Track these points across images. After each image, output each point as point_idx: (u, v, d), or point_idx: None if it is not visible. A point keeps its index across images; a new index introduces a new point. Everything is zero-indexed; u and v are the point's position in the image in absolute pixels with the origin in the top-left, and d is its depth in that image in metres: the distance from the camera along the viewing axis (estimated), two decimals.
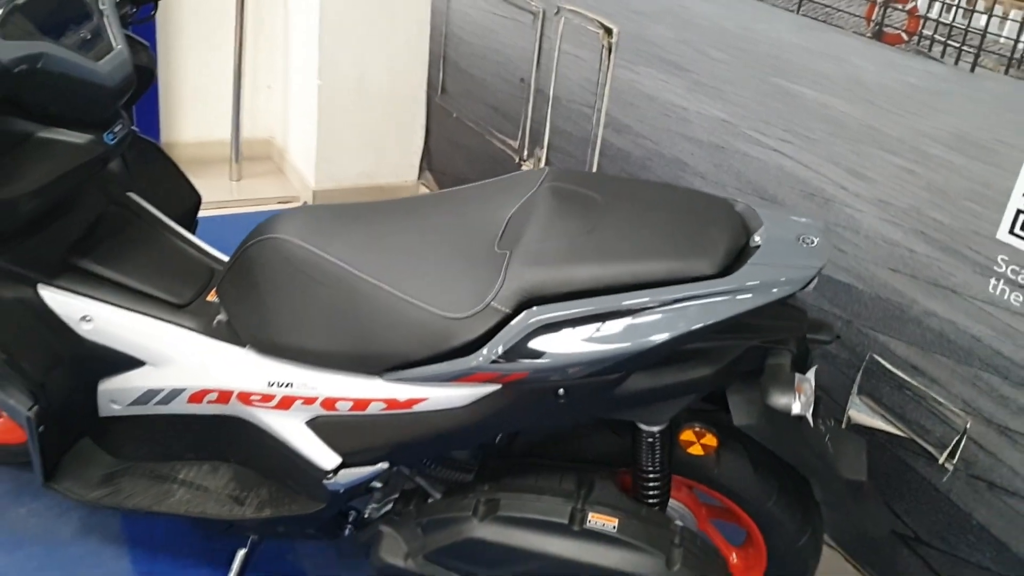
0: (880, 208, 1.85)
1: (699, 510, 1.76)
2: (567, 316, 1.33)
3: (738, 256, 1.37)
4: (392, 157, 3.69)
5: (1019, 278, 1.62)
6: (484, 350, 1.37)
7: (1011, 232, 1.62)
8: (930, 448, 1.81)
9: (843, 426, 1.68)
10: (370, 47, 3.46)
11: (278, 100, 3.89)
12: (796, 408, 1.33)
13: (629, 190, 1.51)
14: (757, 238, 1.39)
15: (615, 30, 2.50)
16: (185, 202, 1.87)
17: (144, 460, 1.83)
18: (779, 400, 1.34)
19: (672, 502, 1.70)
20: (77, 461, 1.82)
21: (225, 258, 1.82)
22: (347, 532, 1.77)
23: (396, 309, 1.43)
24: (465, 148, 3.38)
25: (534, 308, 1.35)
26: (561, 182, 1.52)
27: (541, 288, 1.35)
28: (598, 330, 1.33)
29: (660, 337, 1.31)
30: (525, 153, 3.01)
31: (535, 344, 1.34)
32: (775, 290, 1.31)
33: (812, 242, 1.37)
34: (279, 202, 3.69)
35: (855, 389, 1.90)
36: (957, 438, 1.75)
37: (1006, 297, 1.64)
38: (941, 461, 1.78)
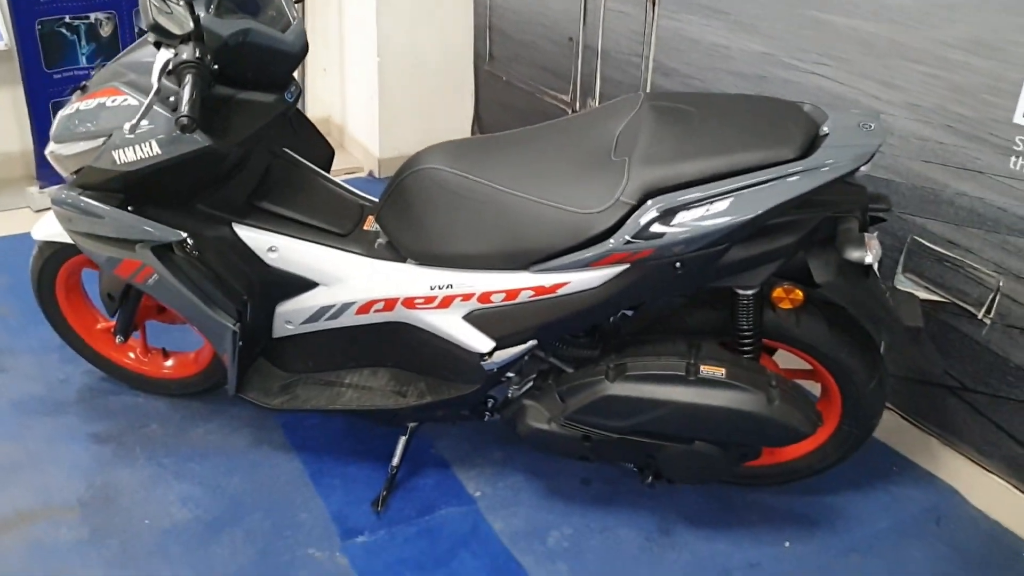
0: (910, 111, 2.19)
1: (784, 375, 2.12)
2: (681, 202, 1.69)
3: (812, 143, 1.72)
4: (446, 123, 4.03)
5: None
6: (615, 236, 1.73)
7: None
8: (970, 308, 2.16)
9: (920, 311, 2.01)
10: (421, 24, 3.80)
11: (335, 81, 4.24)
12: (868, 258, 1.69)
13: (716, 101, 1.87)
14: (825, 128, 1.75)
15: None
16: (324, 154, 2.23)
17: (312, 372, 2.20)
18: (853, 253, 1.69)
19: None
20: (258, 376, 2.18)
21: (370, 197, 2.18)
22: (489, 412, 2.13)
23: (538, 212, 1.79)
24: (516, 109, 3.73)
25: (655, 199, 1.71)
26: (658, 101, 1.88)
27: (659, 182, 1.71)
28: (707, 210, 1.69)
29: (756, 210, 1.67)
30: (577, 105, 3.36)
31: (657, 227, 1.70)
32: (845, 164, 1.66)
33: (870, 127, 1.72)
34: (346, 173, 4.05)
35: (899, 268, 2.26)
36: (992, 295, 2.10)
37: None
38: (980, 316, 2.14)
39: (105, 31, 3.33)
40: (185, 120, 1.57)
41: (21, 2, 3.17)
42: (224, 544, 2.07)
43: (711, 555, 2.09)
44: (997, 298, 2.10)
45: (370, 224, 2.07)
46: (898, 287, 2.23)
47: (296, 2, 1.96)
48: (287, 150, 2.16)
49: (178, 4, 1.63)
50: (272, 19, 1.84)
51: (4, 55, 3.34)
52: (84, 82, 1.94)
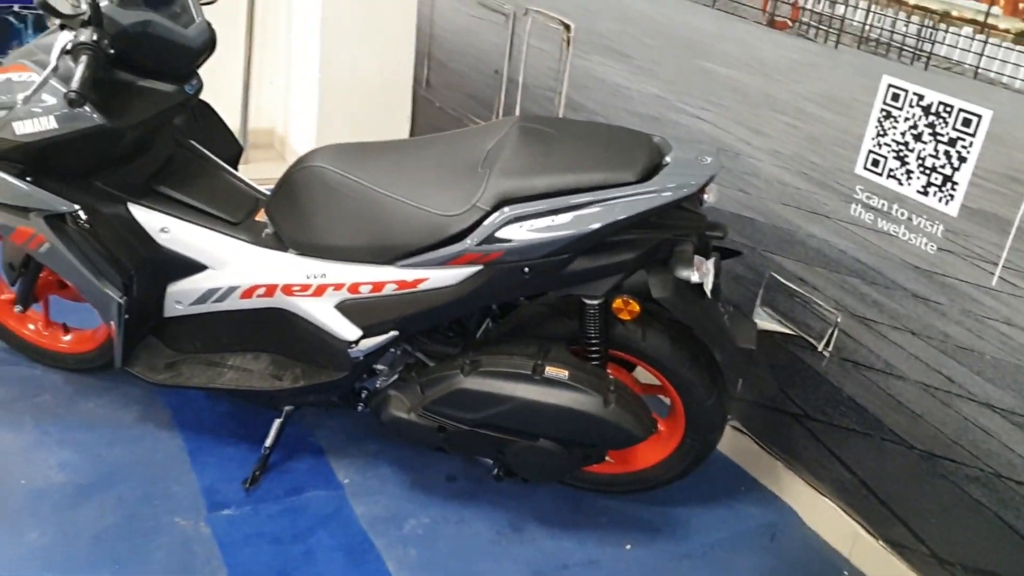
0: (774, 157, 2.39)
1: (635, 387, 2.28)
2: (529, 211, 1.86)
3: (654, 170, 1.90)
4: None
5: (871, 202, 2.16)
6: (470, 238, 1.89)
7: (865, 168, 2.16)
8: (812, 341, 2.34)
9: (755, 334, 2.19)
10: (364, 46, 3.98)
11: (280, 94, 4.40)
12: (695, 277, 1.86)
13: (575, 127, 2.06)
14: (668, 159, 1.93)
15: (572, 26, 3.04)
16: (231, 149, 2.39)
17: (198, 352, 2.33)
18: (682, 272, 1.87)
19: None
20: (146, 352, 2.31)
21: (264, 191, 2.33)
22: (362, 403, 2.27)
23: (405, 212, 1.95)
24: None
25: (506, 207, 1.88)
26: (526, 123, 2.06)
27: (511, 192, 1.88)
28: (552, 221, 1.86)
29: (595, 225, 1.84)
30: None
31: (506, 232, 1.87)
32: (678, 191, 1.85)
33: (707, 160, 1.91)
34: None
35: (758, 301, 2.45)
36: (831, 330, 2.29)
37: (862, 217, 2.18)
38: (819, 349, 2.32)
39: (52, 22, 3.47)
40: (73, 95, 1.72)
41: None
42: (93, 507, 2.18)
43: (555, 551, 2.23)
44: (835, 333, 2.28)
45: (261, 216, 2.22)
46: (755, 319, 2.41)
47: (205, 3, 2.13)
48: (193, 142, 2.31)
49: None
50: (175, 15, 2.01)
51: None
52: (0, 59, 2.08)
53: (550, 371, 2.00)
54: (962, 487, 2.04)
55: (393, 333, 2.05)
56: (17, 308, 2.42)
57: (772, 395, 2.43)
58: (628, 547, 2.27)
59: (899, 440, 2.17)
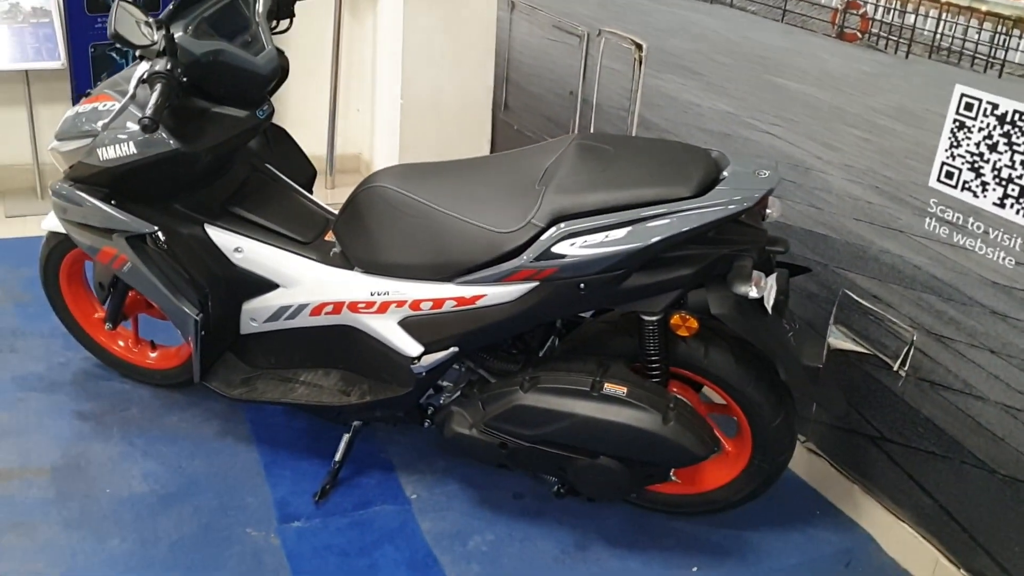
0: (845, 171, 2.34)
1: (700, 406, 2.24)
2: (583, 227, 1.87)
3: (710, 185, 1.88)
4: None
5: (946, 216, 2.08)
6: (526, 254, 1.91)
7: (938, 180, 2.09)
8: (888, 360, 2.27)
9: (824, 352, 2.15)
10: (444, 71, 4.07)
11: (366, 121, 4.53)
12: (753, 292, 1.83)
13: (633, 143, 2.06)
14: (725, 173, 1.91)
15: (644, 45, 3.04)
16: (306, 173, 2.47)
17: (272, 368, 2.40)
18: (740, 287, 1.84)
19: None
20: (224, 367, 2.40)
21: (335, 212, 2.40)
22: (428, 419, 2.30)
23: (463, 230, 1.98)
24: None
25: (561, 223, 1.89)
26: (584, 140, 2.07)
27: (566, 209, 1.90)
28: (606, 237, 1.86)
29: (649, 240, 1.83)
30: None
31: (561, 248, 1.88)
32: (733, 205, 1.82)
33: (764, 174, 1.88)
34: None
35: (831, 319, 2.39)
36: (906, 349, 2.21)
37: (937, 231, 2.11)
38: (895, 368, 2.24)
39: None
40: (146, 121, 1.82)
41: (77, 27, 3.53)
42: (172, 516, 2.27)
43: (619, 572, 2.21)
44: (911, 352, 2.20)
45: (330, 236, 2.29)
46: (829, 341, 2.35)
47: (276, 33, 2.22)
48: (268, 166, 2.40)
49: (146, 22, 1.90)
50: (246, 44, 2.10)
51: (59, 74, 3.70)
52: (89, 89, 2.21)
53: (608, 388, 1.99)
54: None
55: (453, 349, 2.07)
56: (107, 326, 2.55)
57: (841, 415, 2.36)
58: (695, 569, 2.23)
59: (980, 464, 2.07)
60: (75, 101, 3.64)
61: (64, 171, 2.24)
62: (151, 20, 1.92)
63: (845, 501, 2.44)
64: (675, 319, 1.97)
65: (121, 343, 2.71)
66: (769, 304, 1.90)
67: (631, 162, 1.96)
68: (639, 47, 3.06)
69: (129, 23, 1.88)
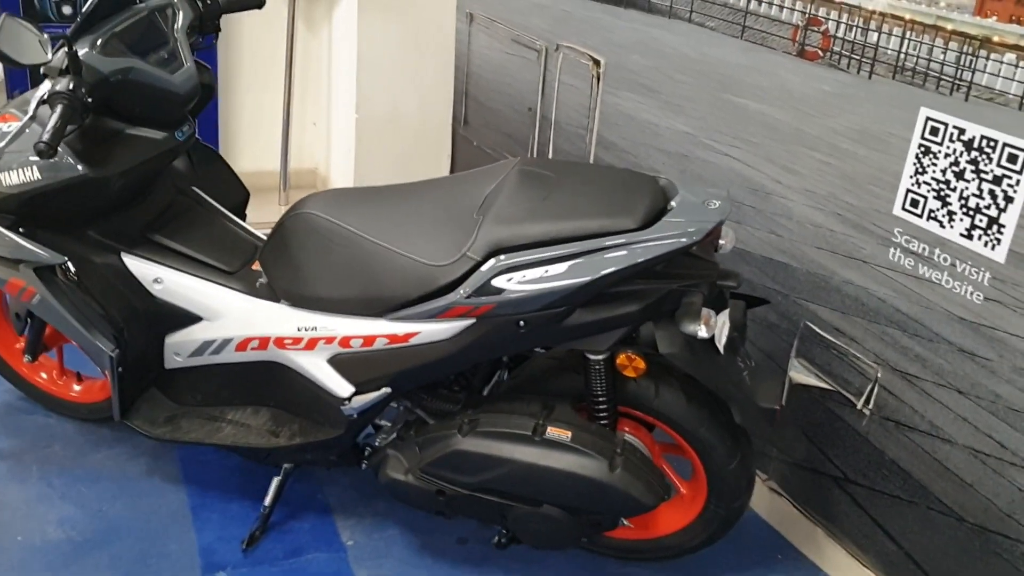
0: (806, 196, 2.21)
1: (653, 448, 2.11)
2: (522, 261, 1.73)
3: (657, 216, 1.75)
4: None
5: (911, 246, 1.96)
6: (461, 289, 1.77)
7: (903, 208, 1.97)
8: (851, 397, 2.14)
9: (785, 387, 2.02)
10: (401, 85, 3.92)
11: (322, 135, 4.38)
12: (702, 332, 1.70)
13: (576, 170, 1.92)
14: (673, 203, 1.78)
15: (603, 61, 2.91)
16: (237, 196, 2.32)
17: (199, 406, 2.25)
18: (688, 326, 1.70)
19: (630, 438, 2.05)
20: (146, 405, 2.24)
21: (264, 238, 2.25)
22: (365, 461, 2.15)
23: (394, 262, 1.84)
24: None
25: (499, 256, 1.75)
26: (526, 166, 1.93)
27: (504, 241, 1.75)
28: (546, 272, 1.72)
29: (592, 276, 1.70)
30: None
31: (498, 283, 1.74)
32: (682, 238, 1.69)
33: (714, 204, 1.75)
34: None
35: (793, 352, 2.26)
36: (871, 386, 2.09)
37: (902, 262, 1.99)
38: (859, 406, 2.12)
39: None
40: (42, 146, 1.67)
41: None
42: (87, 567, 2.10)
43: None
44: (876, 389, 2.08)
45: (258, 265, 2.14)
46: (791, 375, 2.22)
47: (206, 48, 2.07)
48: (196, 189, 2.25)
49: (41, 39, 1.74)
50: (163, 61, 1.95)
51: None
52: None
53: (552, 432, 1.85)
54: (1018, 567, 1.81)
55: (386, 390, 1.93)
56: (26, 358, 2.38)
57: (801, 458, 2.23)
58: None
59: (947, 511, 1.95)
60: None
61: None
62: (46, 36, 1.76)
63: (808, 544, 2.32)
64: (621, 359, 1.84)
65: (44, 375, 2.55)
66: (721, 343, 1.77)
67: (574, 191, 1.82)
68: (597, 63, 2.93)
69: (20, 39, 1.73)
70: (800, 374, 2.24)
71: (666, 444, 2.13)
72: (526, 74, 3.39)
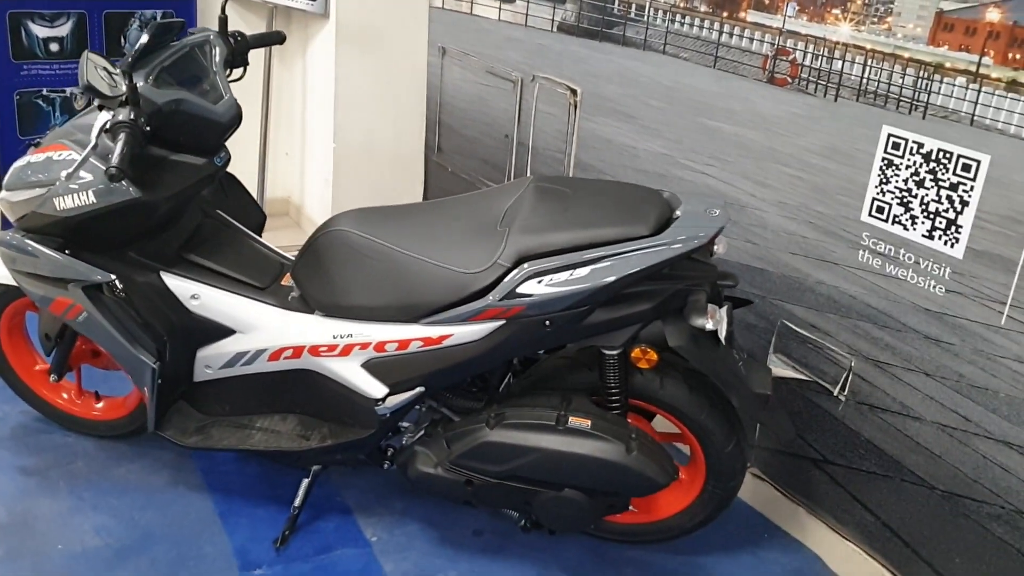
0: (779, 208, 2.47)
1: (654, 435, 2.32)
2: (548, 267, 1.94)
3: (665, 224, 1.98)
4: None
5: (878, 248, 2.23)
6: (492, 294, 1.96)
7: (870, 215, 2.23)
8: (827, 386, 2.39)
9: (771, 380, 2.24)
10: (376, 116, 4.11)
11: (295, 165, 4.53)
12: (709, 324, 1.92)
13: (587, 185, 2.15)
14: (678, 212, 2.01)
15: (579, 91, 3.15)
16: (256, 218, 2.48)
17: (227, 415, 2.38)
18: (696, 320, 1.93)
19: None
20: (177, 416, 2.37)
21: (288, 256, 2.41)
22: (388, 461, 2.32)
23: (429, 271, 2.03)
24: None
25: (527, 263, 1.95)
26: (542, 183, 2.14)
27: (531, 249, 1.96)
28: (570, 275, 1.93)
29: (611, 278, 1.91)
30: None
31: (526, 287, 1.94)
32: (690, 242, 1.92)
33: (715, 212, 1.98)
34: (297, 250, 4.30)
35: (771, 348, 2.50)
36: (845, 374, 2.34)
37: (870, 263, 2.25)
38: (835, 393, 2.36)
39: (79, 104, 3.61)
40: (114, 170, 1.82)
41: (2, 74, 3.45)
42: (129, 570, 2.22)
43: None
44: (850, 377, 2.33)
45: (287, 281, 2.30)
46: (768, 365, 2.46)
47: (232, 81, 2.24)
48: (220, 212, 2.40)
49: (115, 73, 1.90)
50: (205, 92, 2.12)
51: None
52: (38, 139, 2.19)
53: (573, 421, 2.05)
54: (984, 525, 2.07)
55: (419, 389, 2.10)
56: (52, 377, 2.49)
57: (790, 441, 2.47)
58: None
59: (920, 481, 2.20)
60: (1, 148, 3.55)
61: (15, 222, 2.20)
62: (119, 70, 1.92)
63: (791, 523, 2.55)
64: (636, 352, 2.05)
65: (65, 395, 2.65)
66: (722, 335, 2.00)
67: (590, 203, 2.04)
68: (574, 92, 3.17)
69: (96, 74, 1.88)
70: (779, 368, 2.49)
71: (663, 433, 2.35)
72: (502, 103, 3.61)
